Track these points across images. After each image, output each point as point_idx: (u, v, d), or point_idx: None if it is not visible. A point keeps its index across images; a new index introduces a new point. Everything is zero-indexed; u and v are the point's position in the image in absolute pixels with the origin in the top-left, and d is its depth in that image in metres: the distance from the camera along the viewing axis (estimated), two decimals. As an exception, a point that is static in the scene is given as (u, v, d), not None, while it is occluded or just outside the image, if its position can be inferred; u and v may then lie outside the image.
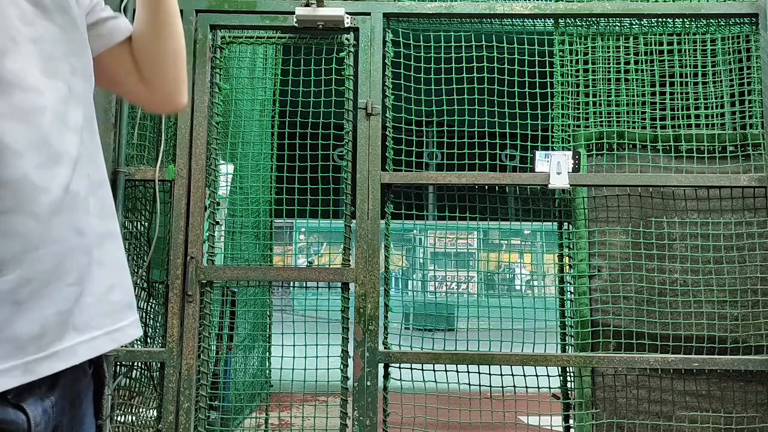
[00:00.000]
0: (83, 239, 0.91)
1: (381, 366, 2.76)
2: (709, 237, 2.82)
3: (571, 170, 2.79)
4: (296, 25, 2.87)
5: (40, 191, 0.84)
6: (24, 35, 0.86)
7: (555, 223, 3.13)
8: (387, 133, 2.90)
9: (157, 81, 1.16)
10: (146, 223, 2.99)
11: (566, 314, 3.01)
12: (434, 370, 2.80)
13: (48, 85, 0.88)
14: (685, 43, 2.98)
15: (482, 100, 2.96)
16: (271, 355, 3.81)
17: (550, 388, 2.85)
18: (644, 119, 2.97)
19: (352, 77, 2.87)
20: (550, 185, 2.79)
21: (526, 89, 2.95)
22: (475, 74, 2.96)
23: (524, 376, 2.81)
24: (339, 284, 2.84)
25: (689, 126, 2.93)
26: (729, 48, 2.97)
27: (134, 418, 2.89)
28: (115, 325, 0.96)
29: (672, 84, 2.98)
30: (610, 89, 2.98)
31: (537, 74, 2.96)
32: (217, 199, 2.89)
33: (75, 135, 0.92)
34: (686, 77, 2.96)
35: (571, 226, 2.97)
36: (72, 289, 0.88)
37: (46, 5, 0.91)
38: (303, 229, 5.30)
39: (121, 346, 2.69)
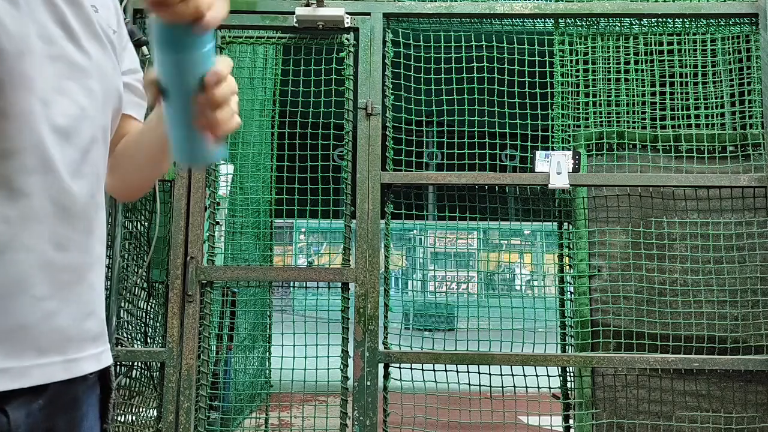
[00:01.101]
0: (67, 255, 0.88)
1: (381, 366, 2.76)
2: (709, 237, 2.82)
3: (571, 170, 2.79)
4: (296, 25, 2.87)
5: (16, 195, 0.81)
6: (39, 51, 0.86)
7: (555, 223, 3.14)
8: (387, 133, 2.90)
9: (118, 178, 1.13)
10: (146, 223, 2.99)
11: (566, 314, 3.01)
12: (434, 370, 2.80)
13: (57, 100, 0.87)
14: (685, 43, 2.98)
15: (482, 100, 2.96)
16: (271, 355, 3.81)
17: (550, 388, 2.85)
18: (644, 119, 2.97)
19: (352, 77, 2.87)
20: (550, 185, 2.79)
21: (526, 89, 2.95)
22: (475, 74, 2.96)
23: (524, 376, 2.81)
24: (339, 284, 2.84)
25: (689, 126, 2.93)
26: (729, 48, 2.97)
27: (134, 418, 2.89)
28: (75, 355, 0.89)
29: (672, 84, 2.98)
30: (610, 89, 2.98)
31: (537, 74, 2.96)
32: (217, 199, 2.89)
33: (78, 152, 0.90)
34: (686, 77, 2.96)
35: (571, 226, 2.97)
36: (39, 305, 0.83)
37: (72, 29, 0.91)
38: (303, 229, 5.30)
39: (122, 346, 2.70)
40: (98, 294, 0.96)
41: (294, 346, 2.92)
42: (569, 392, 2.96)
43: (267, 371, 3.80)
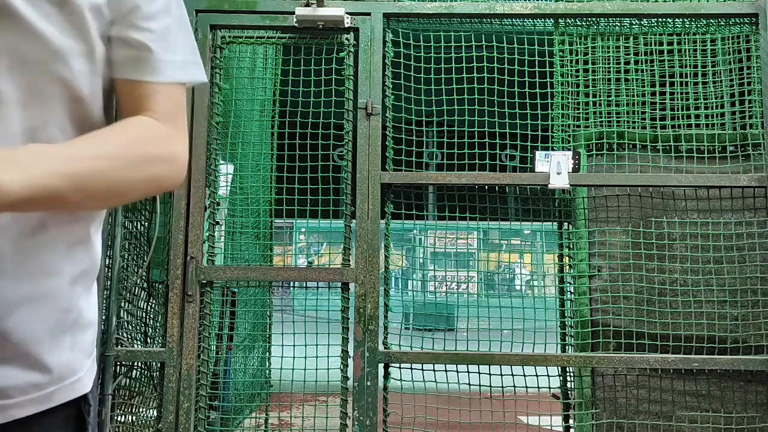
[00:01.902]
0: None
1: (381, 366, 2.76)
2: (709, 237, 2.82)
3: (571, 170, 2.79)
4: (296, 25, 2.87)
5: None
6: None
7: (555, 223, 3.13)
8: (387, 133, 2.90)
9: None
10: (146, 223, 2.99)
11: (566, 314, 3.01)
12: (434, 370, 2.80)
13: None
14: (685, 43, 2.98)
15: (482, 100, 2.96)
16: (271, 355, 3.81)
17: (550, 388, 2.85)
18: (644, 119, 2.97)
19: (352, 77, 2.87)
20: (550, 185, 2.78)
21: (526, 89, 2.95)
22: (475, 74, 2.96)
23: (524, 376, 2.81)
24: (339, 284, 2.84)
25: (689, 126, 2.93)
26: (729, 48, 2.97)
27: (134, 418, 2.89)
28: None
29: (672, 84, 2.98)
30: (610, 89, 2.98)
31: (537, 74, 2.96)
32: (217, 199, 2.89)
33: None
34: (686, 77, 2.96)
35: (571, 226, 2.97)
36: None
37: None
38: (303, 229, 5.30)
39: (122, 346, 2.70)
40: (27, 339, 0.82)
41: (294, 346, 2.92)
42: (569, 392, 2.96)
43: (267, 371, 3.80)
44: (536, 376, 2.81)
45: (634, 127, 2.96)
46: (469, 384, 2.82)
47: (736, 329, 2.77)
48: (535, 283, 6.13)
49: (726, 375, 2.75)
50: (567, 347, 3.00)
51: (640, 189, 2.87)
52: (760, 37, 2.86)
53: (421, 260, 3.95)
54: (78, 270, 0.88)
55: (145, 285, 2.96)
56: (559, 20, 2.99)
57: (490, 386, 2.83)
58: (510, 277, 7.83)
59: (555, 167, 2.78)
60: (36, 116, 0.78)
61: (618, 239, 2.87)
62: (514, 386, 2.81)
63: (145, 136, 0.85)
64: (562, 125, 2.97)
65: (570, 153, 2.82)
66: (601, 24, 3.00)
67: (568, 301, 3.03)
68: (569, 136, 2.95)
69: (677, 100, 2.96)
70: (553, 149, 2.90)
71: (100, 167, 0.77)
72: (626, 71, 2.98)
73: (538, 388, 2.82)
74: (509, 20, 3.00)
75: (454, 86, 3.00)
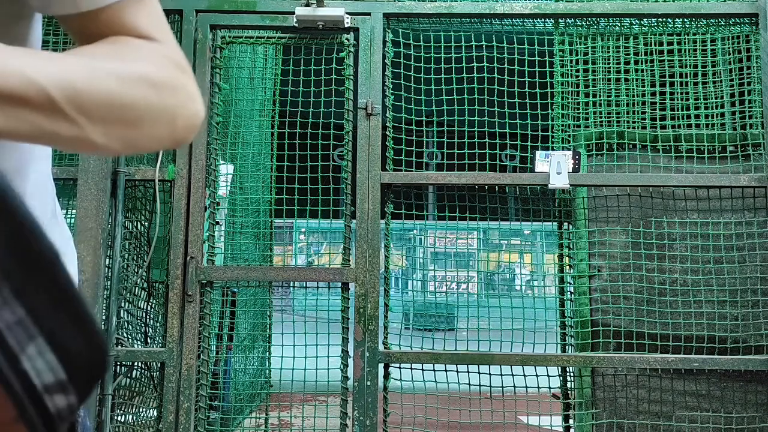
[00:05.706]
0: None
1: (381, 366, 2.76)
2: (709, 237, 2.82)
3: (571, 170, 2.79)
4: (296, 25, 2.87)
5: None
6: None
7: (555, 223, 3.13)
8: (387, 133, 2.90)
9: None
10: (146, 223, 2.99)
11: (566, 314, 3.01)
12: (434, 370, 2.80)
13: None
14: (685, 43, 2.98)
15: (482, 100, 2.96)
16: (271, 355, 3.81)
17: (550, 388, 2.85)
18: (644, 119, 2.97)
19: (352, 77, 2.87)
20: (550, 185, 2.78)
21: (526, 89, 2.95)
22: (475, 74, 2.96)
23: (524, 376, 2.81)
24: (339, 284, 2.84)
25: (689, 126, 2.94)
26: (729, 48, 2.97)
27: (134, 418, 2.89)
28: None
29: (672, 84, 2.98)
30: (610, 89, 2.98)
31: (537, 74, 2.96)
32: (217, 199, 2.89)
33: None
34: (686, 77, 2.96)
35: (571, 226, 2.97)
36: None
37: None
38: (303, 229, 5.30)
39: (122, 346, 2.70)
40: None
41: (294, 346, 2.92)
42: (569, 392, 2.95)
43: (267, 371, 3.80)
44: (536, 376, 2.81)
45: (634, 127, 2.96)
46: (469, 384, 2.82)
47: (736, 329, 2.76)
48: (535, 283, 6.13)
49: (726, 375, 2.75)
50: (567, 347, 3.00)
51: (640, 189, 2.87)
52: (760, 37, 2.86)
53: (421, 260, 3.95)
54: None
55: (145, 285, 2.96)
56: (559, 20, 2.99)
57: (490, 386, 2.83)
58: (510, 277, 7.83)
59: (555, 167, 2.78)
60: None
61: (618, 239, 2.87)
62: (514, 386, 2.81)
63: (145, 55, 0.64)
64: (562, 125, 2.97)
65: (570, 153, 2.82)
66: (601, 24, 3.00)
67: (568, 301, 3.03)
68: (569, 136, 2.95)
69: (677, 100, 2.96)
70: (553, 149, 2.90)
71: (101, 81, 0.58)
72: (626, 71, 2.98)
73: (538, 388, 2.82)
74: (509, 20, 3.00)
75: (454, 86, 3.00)
